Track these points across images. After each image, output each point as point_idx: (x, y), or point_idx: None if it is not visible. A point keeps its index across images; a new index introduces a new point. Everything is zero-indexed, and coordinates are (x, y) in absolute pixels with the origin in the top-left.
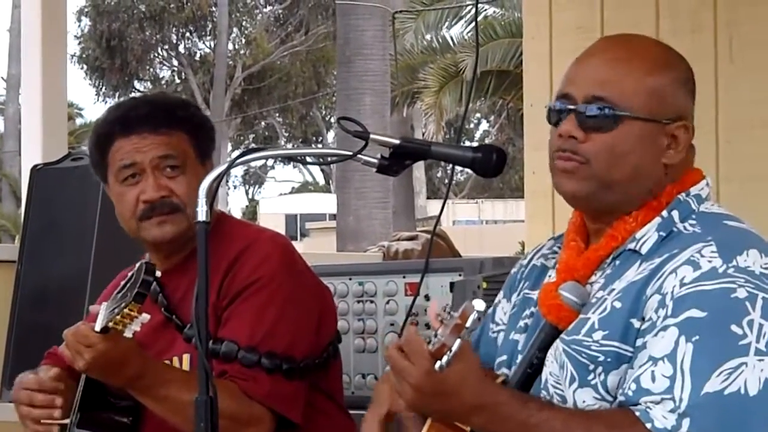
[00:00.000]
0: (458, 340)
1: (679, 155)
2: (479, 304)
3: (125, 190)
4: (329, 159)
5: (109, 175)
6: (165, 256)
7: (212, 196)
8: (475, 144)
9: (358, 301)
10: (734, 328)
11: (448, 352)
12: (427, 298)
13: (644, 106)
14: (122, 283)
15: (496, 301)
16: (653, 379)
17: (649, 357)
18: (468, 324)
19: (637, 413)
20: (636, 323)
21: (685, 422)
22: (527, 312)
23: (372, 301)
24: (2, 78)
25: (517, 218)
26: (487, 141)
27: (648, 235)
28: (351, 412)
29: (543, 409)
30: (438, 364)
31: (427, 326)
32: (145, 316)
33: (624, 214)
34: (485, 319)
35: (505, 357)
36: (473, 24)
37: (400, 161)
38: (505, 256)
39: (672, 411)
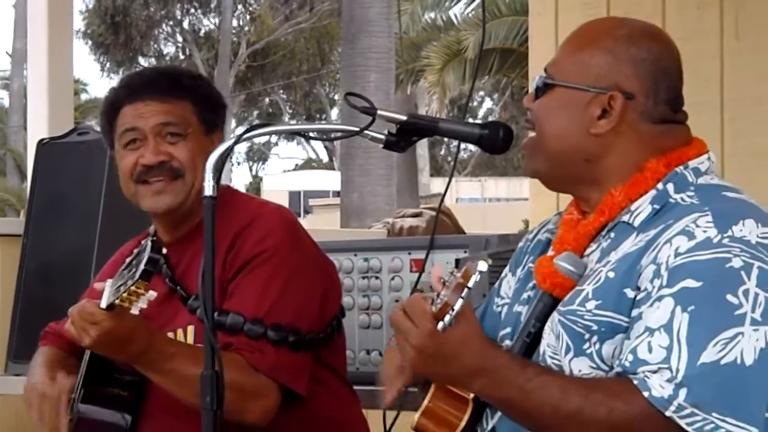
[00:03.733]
0: (460, 300)
1: (609, 125)
2: (482, 265)
3: (126, 153)
4: (336, 135)
5: (115, 140)
6: (168, 226)
7: (219, 171)
8: (480, 121)
9: (364, 277)
10: (730, 297)
11: (451, 311)
12: None
13: (571, 75)
14: (128, 259)
15: (503, 275)
16: (650, 349)
17: (645, 328)
18: (470, 284)
19: (635, 382)
20: (629, 293)
21: (682, 392)
22: (530, 284)
23: (377, 278)
24: (7, 53)
25: (520, 196)
26: (491, 119)
27: (642, 207)
28: (356, 387)
29: (541, 375)
30: (441, 324)
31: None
32: (152, 294)
33: (585, 187)
34: (491, 293)
35: (508, 329)
36: (475, 3)
37: (407, 137)
38: (510, 233)
39: (669, 381)
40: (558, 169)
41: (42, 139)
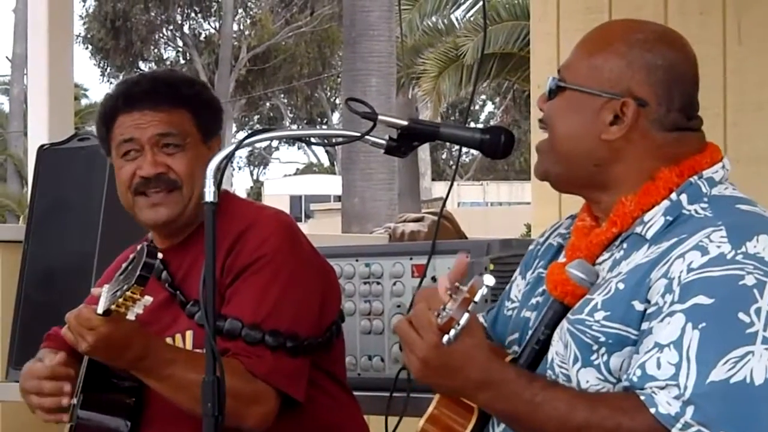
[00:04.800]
0: (466, 314)
1: (621, 132)
2: (488, 279)
3: (123, 163)
4: (337, 140)
5: (112, 148)
6: (165, 236)
7: (220, 176)
8: (481, 126)
9: (365, 283)
10: (741, 316)
11: (456, 326)
12: (434, 279)
13: (583, 79)
14: (124, 265)
15: (513, 278)
16: (659, 365)
17: (655, 343)
18: (476, 298)
19: (642, 398)
20: (638, 306)
21: (690, 410)
22: (539, 290)
23: (379, 283)
24: (7, 58)
25: (522, 200)
26: (492, 123)
27: (654, 219)
28: (357, 393)
29: (548, 389)
30: (446, 337)
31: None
32: (148, 299)
33: (595, 191)
34: (501, 297)
35: (516, 335)
36: (474, 9)
37: (408, 142)
38: (512, 238)
39: (677, 398)
40: (567, 171)
41: (43, 145)
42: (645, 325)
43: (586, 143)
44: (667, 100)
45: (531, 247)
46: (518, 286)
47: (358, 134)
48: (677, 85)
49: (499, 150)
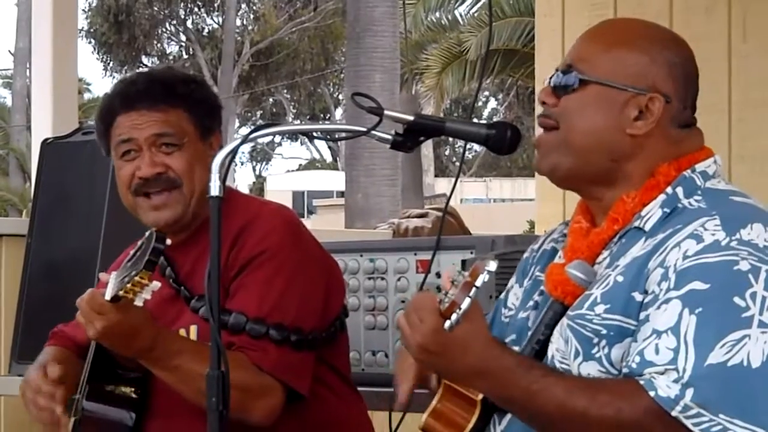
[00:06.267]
0: (467, 299)
1: (647, 127)
2: (491, 264)
3: (123, 164)
4: (343, 135)
5: (111, 148)
6: (169, 234)
7: (225, 171)
8: (485, 121)
9: (369, 278)
10: (737, 300)
11: (458, 310)
12: (438, 275)
13: (607, 73)
14: (132, 251)
15: (509, 285)
16: (657, 351)
17: (652, 330)
18: (478, 283)
19: (642, 382)
20: (637, 296)
21: (689, 392)
22: (537, 291)
23: (383, 278)
24: (10, 52)
25: (525, 197)
26: (495, 119)
27: (652, 212)
28: (361, 389)
29: (547, 376)
30: (447, 323)
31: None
32: (156, 284)
33: (602, 187)
34: (497, 303)
35: (514, 336)
36: (479, 5)
37: (414, 137)
38: (516, 234)
39: (676, 381)
40: (580, 164)
41: (46, 139)
42: (642, 314)
43: (609, 137)
44: (684, 97)
45: (526, 254)
46: (515, 294)
47: (365, 129)
48: (690, 83)
49: (504, 145)
